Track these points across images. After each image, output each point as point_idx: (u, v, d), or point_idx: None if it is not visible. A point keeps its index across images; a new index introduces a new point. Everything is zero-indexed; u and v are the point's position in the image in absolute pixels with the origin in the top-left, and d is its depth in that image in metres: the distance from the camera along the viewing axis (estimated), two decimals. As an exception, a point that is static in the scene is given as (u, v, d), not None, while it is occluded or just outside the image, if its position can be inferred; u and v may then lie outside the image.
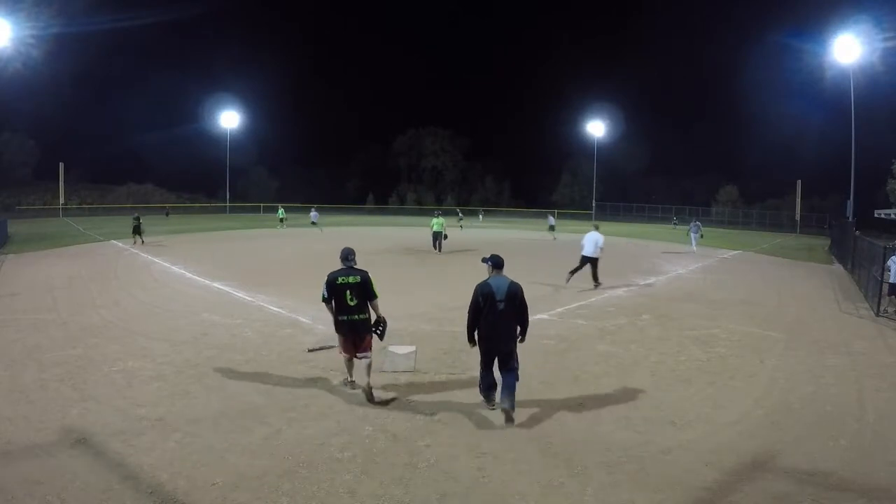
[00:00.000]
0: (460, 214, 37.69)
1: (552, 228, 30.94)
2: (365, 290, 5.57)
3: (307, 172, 69.33)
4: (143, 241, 20.97)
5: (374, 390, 5.47)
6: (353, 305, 5.50)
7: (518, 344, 5.25)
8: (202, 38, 70.46)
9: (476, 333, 5.22)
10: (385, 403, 5.40)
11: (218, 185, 58.75)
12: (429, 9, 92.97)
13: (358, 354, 5.57)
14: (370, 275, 5.65)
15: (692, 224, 23.72)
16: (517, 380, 5.13)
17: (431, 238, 20.48)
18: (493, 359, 5.18)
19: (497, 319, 5.08)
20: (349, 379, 5.85)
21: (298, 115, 72.02)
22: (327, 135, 75.25)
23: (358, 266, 5.68)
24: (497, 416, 5.09)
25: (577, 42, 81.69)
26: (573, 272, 13.29)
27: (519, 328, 5.23)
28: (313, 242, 23.26)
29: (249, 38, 76.28)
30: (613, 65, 70.81)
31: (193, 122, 58.54)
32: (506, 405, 4.98)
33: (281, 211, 35.29)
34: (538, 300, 10.81)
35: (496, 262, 5.36)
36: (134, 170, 58.63)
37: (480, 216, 51.03)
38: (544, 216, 37.02)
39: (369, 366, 5.54)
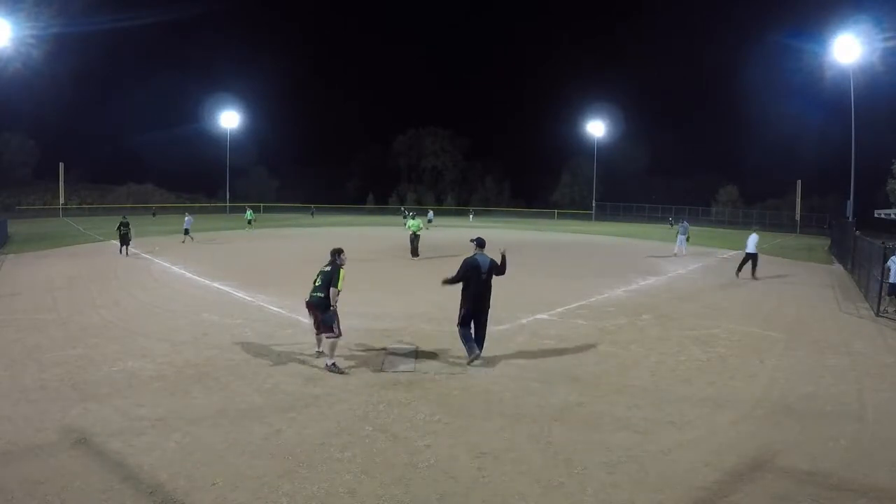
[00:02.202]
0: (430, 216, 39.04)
1: (430, 221, 36.04)
2: (329, 277, 6.50)
3: (307, 172, 69.33)
4: (127, 252, 17.65)
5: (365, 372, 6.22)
6: (317, 286, 6.55)
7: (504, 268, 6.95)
8: (202, 38, 70.38)
9: (461, 298, 6.71)
10: (342, 372, 6.23)
11: (218, 185, 58.78)
12: (429, 9, 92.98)
13: (322, 334, 6.51)
14: (342, 269, 6.58)
15: (680, 225, 22.44)
16: (484, 335, 6.87)
17: (410, 241, 18.56)
18: (473, 318, 6.67)
19: (481, 288, 6.66)
20: (317, 349, 6.87)
21: (298, 115, 72.02)
22: (327, 135, 75.28)
23: (339, 263, 6.64)
24: (496, 417, 5.10)
25: (577, 42, 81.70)
26: (740, 268, 15.23)
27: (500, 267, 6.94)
28: (313, 243, 23.27)
29: (249, 38, 76.33)
30: (614, 65, 70.86)
31: (193, 122, 58.58)
32: (478, 352, 6.68)
33: (249, 213, 33.89)
34: (538, 300, 10.81)
35: (480, 243, 6.97)
36: (134, 170, 58.69)
37: (471, 216, 50.72)
38: (545, 216, 37.13)
39: (331, 346, 6.37)
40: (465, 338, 6.65)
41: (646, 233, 35.99)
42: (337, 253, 6.68)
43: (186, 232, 22.88)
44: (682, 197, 56.16)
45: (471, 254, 6.82)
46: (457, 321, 6.72)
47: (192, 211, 28.78)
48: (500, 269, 6.85)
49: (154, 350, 7.08)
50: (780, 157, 52.85)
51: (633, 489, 3.93)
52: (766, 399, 5.83)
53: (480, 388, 5.91)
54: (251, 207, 37.08)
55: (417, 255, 18.41)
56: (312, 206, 54.00)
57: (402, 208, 23.71)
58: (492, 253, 6.94)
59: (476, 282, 6.58)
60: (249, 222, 32.34)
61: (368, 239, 25.67)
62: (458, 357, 6.85)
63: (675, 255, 20.28)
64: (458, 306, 6.73)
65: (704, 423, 5.16)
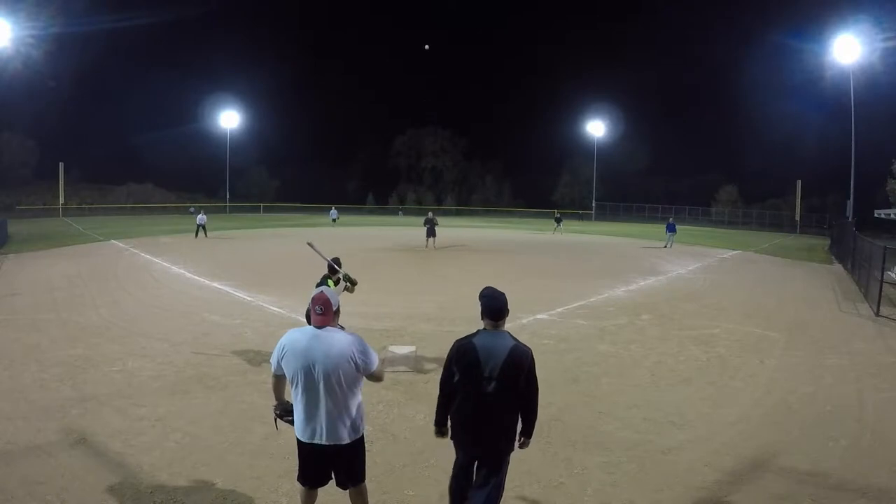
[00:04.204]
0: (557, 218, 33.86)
1: (334, 221, 36.13)
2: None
3: (308, 172, 69.33)
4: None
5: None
6: None
7: (517, 448, 3.21)
8: (202, 38, 70.23)
9: (449, 419, 3.22)
10: None
11: (218, 184, 58.71)
12: (428, 9, 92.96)
13: None
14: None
15: (668, 223, 25.34)
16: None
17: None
18: (471, 465, 3.20)
19: (480, 407, 3.03)
20: None
21: (298, 115, 71.97)
22: (327, 135, 75.23)
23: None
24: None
25: (577, 42, 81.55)
26: None
27: (521, 421, 3.16)
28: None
29: (249, 37, 76.12)
30: (614, 65, 70.63)
31: (193, 122, 58.44)
32: None
33: (334, 211, 36.90)
34: (538, 300, 10.81)
35: (490, 308, 3.09)
36: (134, 170, 58.57)
37: (333, 213, 39.19)
38: (546, 216, 37.14)
39: None
40: (451, 493, 3.28)
41: (646, 233, 36.02)
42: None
43: (200, 228, 24.20)
44: (682, 197, 56.16)
45: (473, 331, 3.19)
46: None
47: (196, 210, 29.53)
48: (530, 405, 3.12)
49: (154, 350, 7.08)
50: (780, 157, 52.77)
51: (633, 489, 3.93)
52: (766, 399, 5.83)
53: (480, 388, 5.91)
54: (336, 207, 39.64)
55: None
56: (333, 206, 42.95)
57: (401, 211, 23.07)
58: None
59: (471, 391, 3.05)
60: (334, 220, 35.09)
61: (368, 238, 25.68)
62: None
63: (665, 246, 23.93)
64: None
65: (704, 423, 5.16)
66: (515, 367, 2.98)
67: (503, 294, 3.15)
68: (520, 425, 3.17)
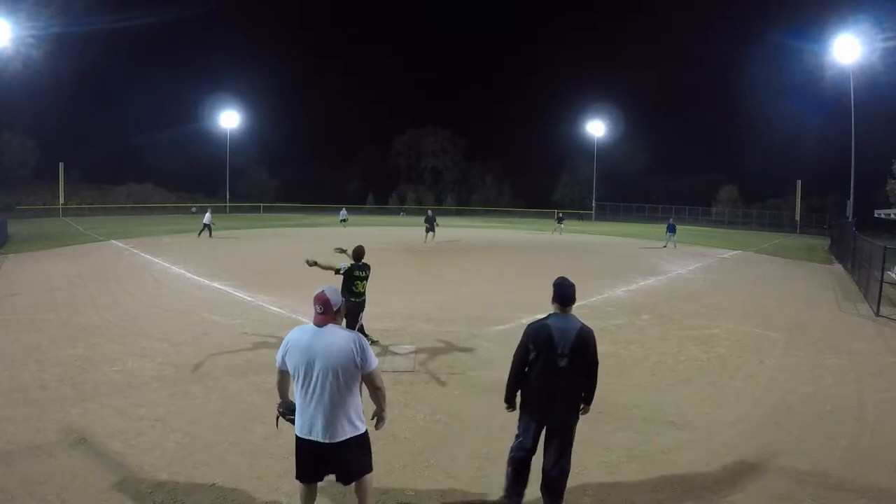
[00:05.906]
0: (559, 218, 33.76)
1: (343, 221, 34.95)
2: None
3: (308, 172, 69.36)
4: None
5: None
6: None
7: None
8: (202, 38, 70.21)
9: (520, 404, 3.65)
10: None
11: (218, 184, 58.71)
12: (428, 9, 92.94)
13: None
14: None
15: (668, 223, 25.55)
16: (566, 474, 3.56)
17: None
18: (538, 434, 3.57)
19: (555, 382, 3.46)
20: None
21: (298, 115, 72.01)
22: (328, 135, 75.27)
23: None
24: (496, 416, 5.08)
25: (576, 41, 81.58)
26: None
27: (583, 394, 3.63)
28: (314, 243, 23.31)
29: (249, 37, 76.12)
30: (614, 65, 70.61)
31: (193, 122, 58.42)
32: None
33: (343, 212, 35.94)
34: (538, 300, 10.80)
35: (561, 295, 3.57)
36: (134, 170, 58.58)
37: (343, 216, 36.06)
38: (546, 216, 37.04)
39: None
40: (509, 473, 3.65)
41: (646, 233, 36.02)
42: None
43: (205, 228, 24.27)
44: (682, 197, 56.15)
45: (541, 316, 3.68)
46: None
47: (199, 210, 29.56)
48: (591, 380, 3.62)
49: (154, 350, 7.08)
50: (780, 157, 52.74)
51: (633, 489, 3.93)
52: (766, 399, 5.83)
53: (481, 388, 5.91)
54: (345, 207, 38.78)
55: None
56: (344, 207, 39.02)
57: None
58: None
59: (546, 368, 3.48)
60: (343, 221, 34.75)
61: (369, 238, 25.64)
62: (459, 357, 6.85)
63: (665, 247, 23.88)
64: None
65: (704, 423, 5.16)
66: (584, 344, 3.48)
67: (573, 284, 3.60)
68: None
